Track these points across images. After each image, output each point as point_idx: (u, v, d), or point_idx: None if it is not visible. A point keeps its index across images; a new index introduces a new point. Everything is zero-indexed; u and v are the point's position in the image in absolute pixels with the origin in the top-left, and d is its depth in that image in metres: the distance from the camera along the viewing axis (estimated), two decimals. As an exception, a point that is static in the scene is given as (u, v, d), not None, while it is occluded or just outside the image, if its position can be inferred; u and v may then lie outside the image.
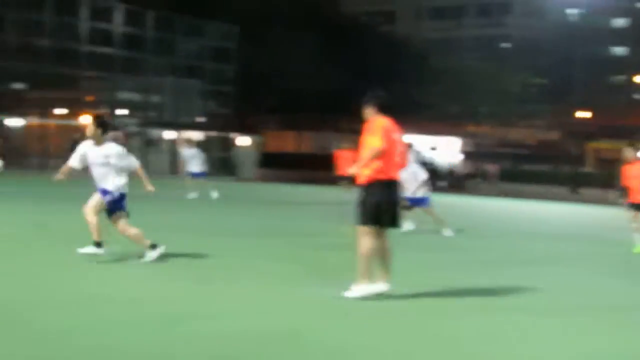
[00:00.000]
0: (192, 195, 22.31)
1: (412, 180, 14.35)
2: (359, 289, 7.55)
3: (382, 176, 7.52)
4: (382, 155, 7.43)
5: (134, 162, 9.58)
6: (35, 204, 18.36)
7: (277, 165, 47.51)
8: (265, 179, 45.16)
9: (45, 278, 8.34)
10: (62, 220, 14.33)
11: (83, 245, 9.33)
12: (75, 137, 41.73)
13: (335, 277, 8.67)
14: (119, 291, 7.64)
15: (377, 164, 7.47)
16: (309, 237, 13.79)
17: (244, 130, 55.45)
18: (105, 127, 9.38)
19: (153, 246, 9.48)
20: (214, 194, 22.62)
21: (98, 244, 9.22)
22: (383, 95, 7.84)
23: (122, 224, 9.38)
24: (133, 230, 9.44)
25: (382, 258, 7.66)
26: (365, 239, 7.53)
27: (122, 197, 9.35)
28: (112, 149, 9.33)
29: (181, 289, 7.92)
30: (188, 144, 24.27)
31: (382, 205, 7.53)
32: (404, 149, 7.86)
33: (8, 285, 7.82)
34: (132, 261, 9.49)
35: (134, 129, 47.99)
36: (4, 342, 5.51)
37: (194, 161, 22.94)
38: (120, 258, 9.58)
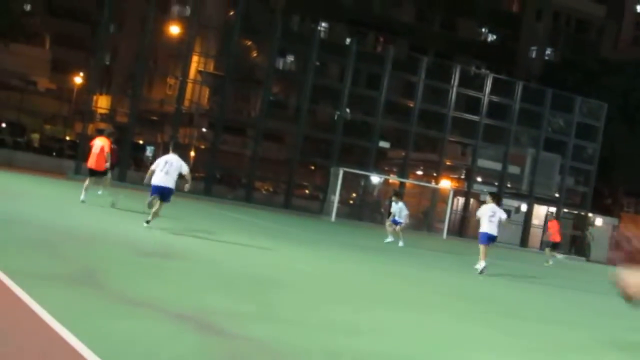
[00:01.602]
0: (389, 239, 25.96)
1: None
2: None
3: None
4: None
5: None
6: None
7: (632, 251, 44.98)
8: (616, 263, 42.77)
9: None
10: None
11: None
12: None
13: None
14: None
15: None
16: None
17: (599, 210, 52.87)
18: None
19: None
20: (400, 243, 25.53)
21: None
22: None
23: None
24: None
25: None
26: None
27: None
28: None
29: None
30: (397, 198, 27.17)
31: None
32: None
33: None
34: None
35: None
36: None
37: (399, 213, 26.09)
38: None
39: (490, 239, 18.29)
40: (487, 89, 46.98)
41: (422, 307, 11.15)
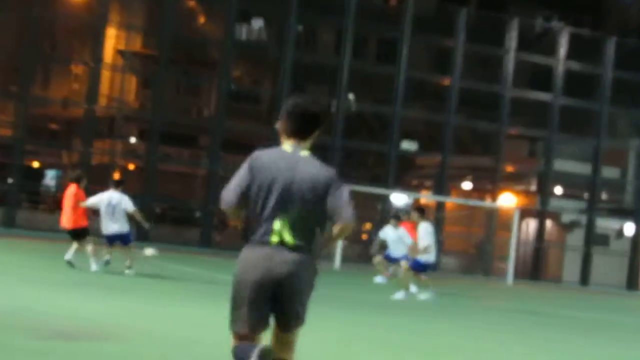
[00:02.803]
0: (379, 279, 28.97)
1: None
2: None
3: None
4: None
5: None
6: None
7: None
8: None
9: None
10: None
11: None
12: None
13: None
14: None
15: None
16: None
17: None
18: None
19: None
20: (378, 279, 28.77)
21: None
22: None
23: None
24: None
25: None
26: None
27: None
28: None
29: None
30: (395, 221, 28.34)
31: None
32: None
33: None
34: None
35: (573, 216, 47.74)
36: None
37: (397, 246, 27.07)
38: None
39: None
40: (563, 51, 47.08)
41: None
